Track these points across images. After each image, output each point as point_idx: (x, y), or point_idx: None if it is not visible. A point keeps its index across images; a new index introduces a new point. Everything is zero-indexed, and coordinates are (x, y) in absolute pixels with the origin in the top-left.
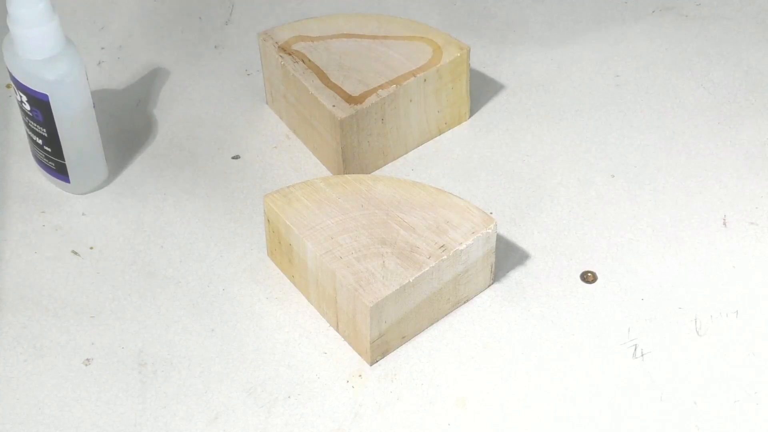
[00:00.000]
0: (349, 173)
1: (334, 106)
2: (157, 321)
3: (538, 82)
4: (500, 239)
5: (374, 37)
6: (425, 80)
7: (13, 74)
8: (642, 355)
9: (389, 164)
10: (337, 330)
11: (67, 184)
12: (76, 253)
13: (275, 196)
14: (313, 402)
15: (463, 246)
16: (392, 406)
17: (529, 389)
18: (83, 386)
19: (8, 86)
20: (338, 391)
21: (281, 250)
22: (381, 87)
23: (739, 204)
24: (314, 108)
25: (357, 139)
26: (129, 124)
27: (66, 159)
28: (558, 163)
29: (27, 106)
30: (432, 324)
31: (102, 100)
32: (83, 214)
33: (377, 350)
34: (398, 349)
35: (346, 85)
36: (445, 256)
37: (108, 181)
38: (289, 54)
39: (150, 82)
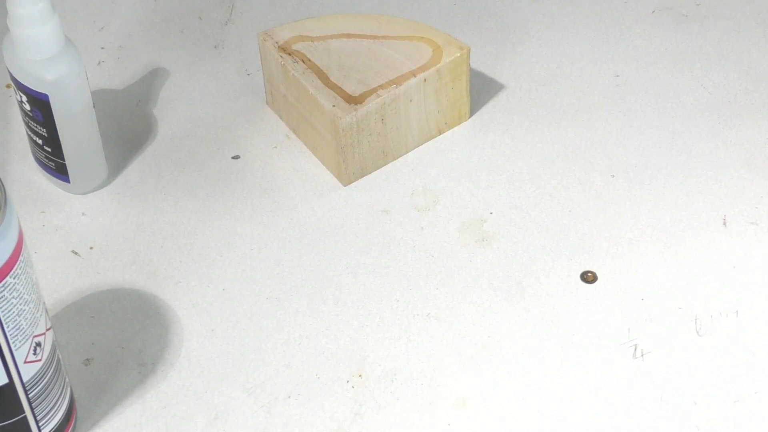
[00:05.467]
0: (349, 173)
1: (334, 106)
2: (157, 321)
3: (538, 82)
4: (500, 239)
5: (374, 37)
6: (425, 80)
7: (13, 74)
8: (642, 355)
9: (389, 164)
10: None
11: (67, 184)
12: (76, 253)
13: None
14: (313, 402)
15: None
16: (392, 406)
17: (529, 389)
18: (83, 386)
19: (8, 86)
20: (338, 391)
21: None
22: (381, 87)
23: (739, 204)
24: (314, 108)
25: (357, 139)
26: (129, 124)
27: (66, 159)
28: (558, 163)
29: (27, 106)
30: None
31: (102, 100)
32: (83, 214)
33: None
34: (398, 349)
35: (346, 85)
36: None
37: (108, 181)
38: (289, 54)
39: (150, 82)
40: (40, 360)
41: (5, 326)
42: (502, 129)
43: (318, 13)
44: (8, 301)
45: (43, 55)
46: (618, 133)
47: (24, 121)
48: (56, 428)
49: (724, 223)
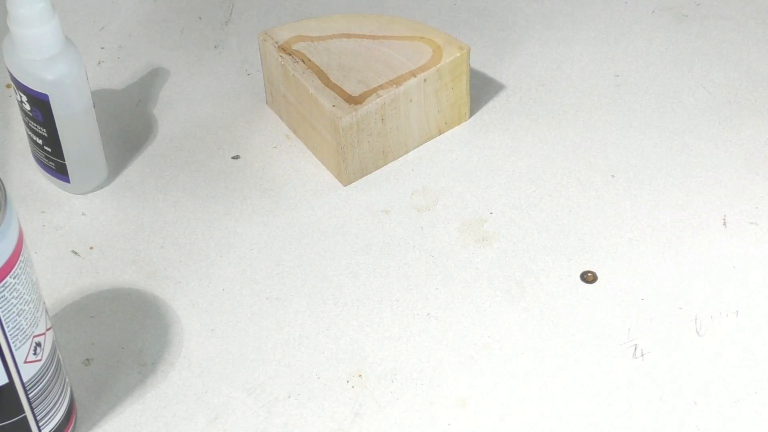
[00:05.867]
0: (349, 173)
1: (334, 106)
2: (157, 321)
3: (538, 82)
4: (500, 239)
5: (374, 37)
6: (425, 80)
7: (13, 74)
8: (642, 355)
9: (389, 164)
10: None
11: (67, 184)
12: (76, 253)
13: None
14: (313, 402)
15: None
16: (392, 406)
17: (529, 389)
18: (83, 386)
19: (8, 86)
20: (338, 391)
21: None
22: (381, 87)
23: (739, 204)
24: (314, 108)
25: (357, 139)
26: (129, 124)
27: (66, 159)
28: (558, 163)
29: (27, 106)
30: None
31: (102, 100)
32: (83, 214)
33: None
34: (398, 349)
35: (346, 85)
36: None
37: (108, 181)
38: (289, 54)
39: (150, 82)
40: (40, 360)
41: (5, 326)
42: (502, 129)
43: (318, 13)
44: (8, 301)
45: (43, 55)
46: (618, 133)
47: (24, 121)
48: (56, 428)
49: (724, 223)
